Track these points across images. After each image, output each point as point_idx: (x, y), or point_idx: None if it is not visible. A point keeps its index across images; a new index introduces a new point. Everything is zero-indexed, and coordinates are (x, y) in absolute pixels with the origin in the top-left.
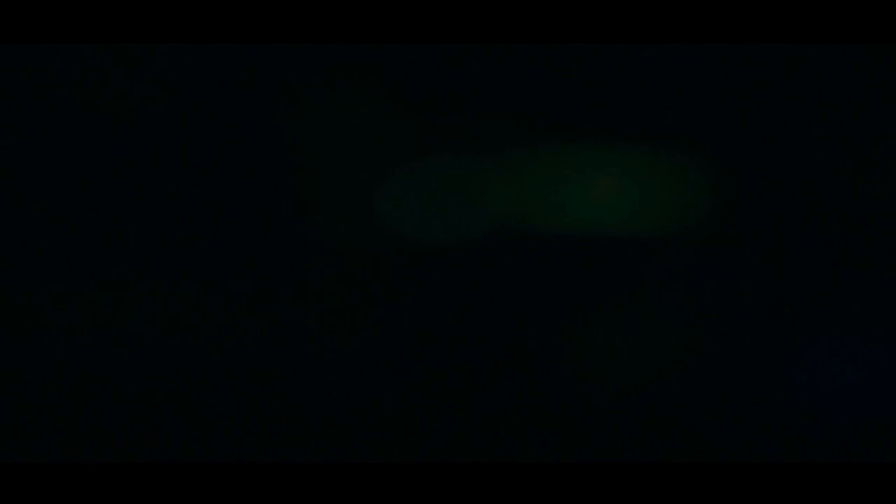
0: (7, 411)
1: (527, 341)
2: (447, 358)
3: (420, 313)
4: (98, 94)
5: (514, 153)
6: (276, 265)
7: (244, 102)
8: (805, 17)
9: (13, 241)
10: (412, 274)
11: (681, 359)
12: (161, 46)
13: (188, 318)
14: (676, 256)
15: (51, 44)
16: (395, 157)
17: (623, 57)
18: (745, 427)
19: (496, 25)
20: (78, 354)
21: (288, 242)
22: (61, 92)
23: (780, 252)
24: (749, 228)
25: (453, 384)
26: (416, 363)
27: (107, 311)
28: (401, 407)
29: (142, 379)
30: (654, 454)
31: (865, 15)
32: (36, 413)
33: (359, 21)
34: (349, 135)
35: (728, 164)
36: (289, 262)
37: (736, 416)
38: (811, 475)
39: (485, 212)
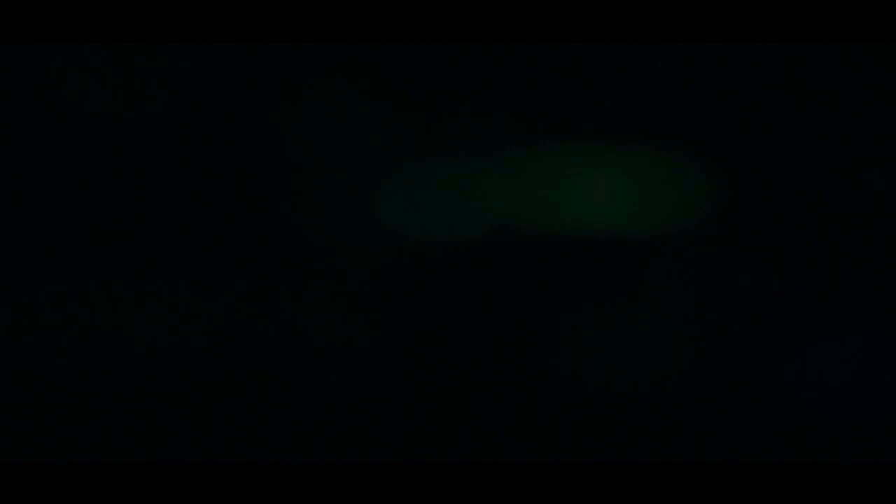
0: (7, 411)
1: (527, 341)
2: (447, 358)
3: (420, 313)
4: (98, 94)
5: (514, 153)
6: (275, 264)
7: (244, 102)
8: (805, 17)
9: (13, 242)
10: (412, 274)
11: (681, 359)
12: (161, 46)
13: (188, 317)
14: (676, 256)
15: (51, 44)
16: (394, 157)
17: (623, 57)
18: (745, 427)
19: (496, 25)
20: (78, 354)
21: (287, 242)
22: (61, 92)
23: (780, 252)
24: (749, 228)
25: (453, 384)
26: (415, 363)
27: (106, 311)
28: (401, 407)
29: (141, 379)
30: (654, 454)
31: (865, 15)
32: (36, 413)
33: (359, 21)
34: (349, 135)
35: (728, 164)
36: (288, 262)
37: (736, 416)
38: (811, 475)
39: (485, 212)
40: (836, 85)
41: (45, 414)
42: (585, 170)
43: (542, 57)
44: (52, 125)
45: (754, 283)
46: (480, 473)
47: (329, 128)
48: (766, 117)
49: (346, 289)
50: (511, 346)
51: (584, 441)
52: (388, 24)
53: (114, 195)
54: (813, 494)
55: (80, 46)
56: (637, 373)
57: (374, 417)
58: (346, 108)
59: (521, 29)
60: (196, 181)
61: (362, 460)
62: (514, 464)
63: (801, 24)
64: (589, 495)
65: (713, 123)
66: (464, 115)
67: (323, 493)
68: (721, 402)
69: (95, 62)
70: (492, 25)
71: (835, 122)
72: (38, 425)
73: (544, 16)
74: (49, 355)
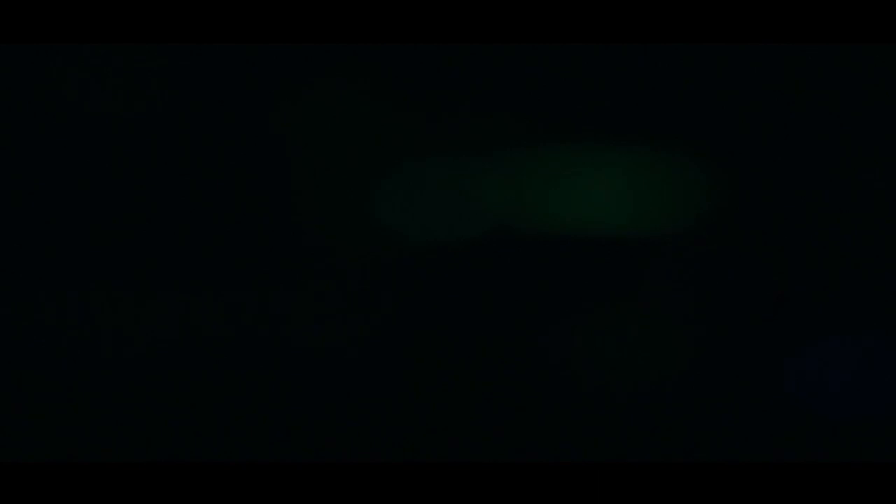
0: (7, 411)
1: (526, 341)
2: (447, 358)
3: (420, 313)
4: (98, 94)
5: (514, 153)
6: (274, 264)
7: (244, 102)
8: (805, 17)
9: (13, 241)
10: (412, 274)
11: (681, 359)
12: (161, 46)
13: (187, 317)
14: (676, 256)
15: (51, 44)
16: (394, 157)
17: (623, 57)
18: (745, 427)
19: (496, 25)
20: (78, 354)
21: (287, 242)
22: (61, 92)
23: (780, 252)
24: (749, 228)
25: (453, 384)
26: (415, 363)
27: (106, 311)
28: (400, 407)
29: (141, 379)
30: (654, 454)
31: (865, 15)
32: (36, 413)
33: (359, 21)
34: (349, 135)
35: (728, 164)
36: (288, 262)
37: (736, 416)
38: (811, 475)
39: (484, 212)
40: (836, 85)
41: (45, 414)
42: (585, 170)
43: (542, 57)
44: (52, 125)
45: (754, 283)
46: (480, 473)
47: (329, 128)
48: (766, 117)
49: (346, 289)
50: (511, 346)
51: (584, 441)
52: (388, 24)
53: (114, 195)
54: (813, 494)
55: (80, 46)
56: (637, 373)
57: (373, 417)
58: (346, 108)
59: (521, 29)
60: (196, 181)
61: (362, 460)
62: (514, 464)
63: (801, 24)
64: (589, 495)
65: (713, 123)
66: (464, 115)
67: (323, 493)
68: (721, 402)
69: (95, 62)
70: (492, 25)
71: (835, 122)
72: (38, 425)
73: (544, 16)
74: (49, 355)
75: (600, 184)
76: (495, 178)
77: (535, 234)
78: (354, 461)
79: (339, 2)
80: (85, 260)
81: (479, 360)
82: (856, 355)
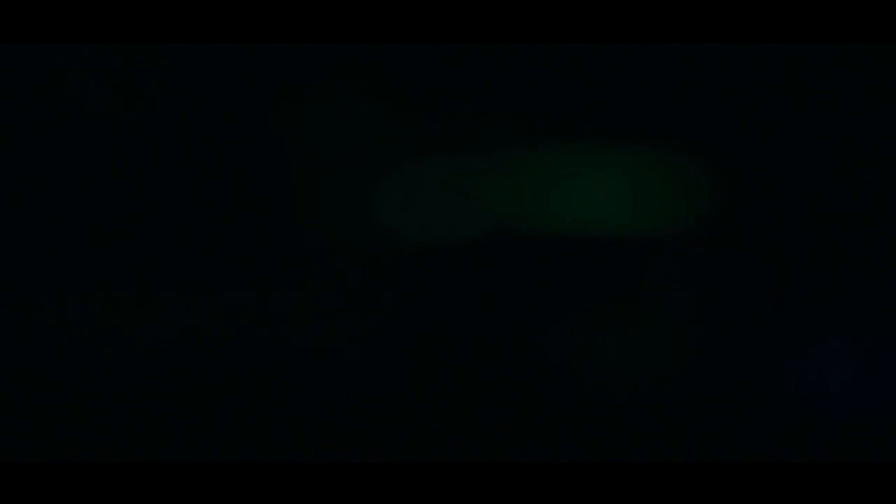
0: (7, 411)
1: (526, 341)
2: (447, 358)
3: (420, 313)
4: (98, 94)
5: (514, 153)
6: (274, 264)
7: (244, 102)
8: (805, 17)
9: (13, 241)
10: (412, 274)
11: (681, 359)
12: (161, 46)
13: (187, 317)
14: (676, 256)
15: (51, 44)
16: (394, 157)
17: (623, 57)
18: (745, 427)
19: (496, 25)
20: (78, 354)
21: (286, 242)
22: (61, 92)
23: (780, 252)
24: (749, 228)
25: (453, 384)
26: (415, 363)
27: (106, 311)
28: (400, 407)
29: (141, 379)
30: (654, 454)
31: (865, 15)
32: (36, 413)
33: (359, 21)
34: (349, 135)
35: (728, 164)
36: (288, 262)
37: (736, 416)
38: (811, 475)
39: (484, 212)
40: (836, 85)
41: (45, 414)
42: (585, 170)
43: (542, 57)
44: (52, 125)
45: (754, 283)
46: (480, 473)
47: (329, 128)
48: (766, 117)
49: (346, 289)
50: (511, 346)
51: (584, 441)
52: (388, 24)
53: (114, 195)
54: (813, 494)
55: (80, 46)
56: (637, 373)
57: (373, 417)
58: (346, 108)
59: (521, 29)
60: (196, 181)
61: (362, 460)
62: (514, 464)
63: (801, 24)
64: (589, 495)
65: (713, 123)
66: (464, 115)
67: (323, 493)
68: (721, 402)
69: (95, 62)
70: (492, 25)
71: (835, 122)
72: (38, 425)
73: (544, 16)
74: (49, 355)
75: (600, 184)
76: (495, 178)
77: (535, 234)
78: (354, 461)
79: (339, 2)
80: (85, 260)
81: (479, 360)
82: (856, 355)
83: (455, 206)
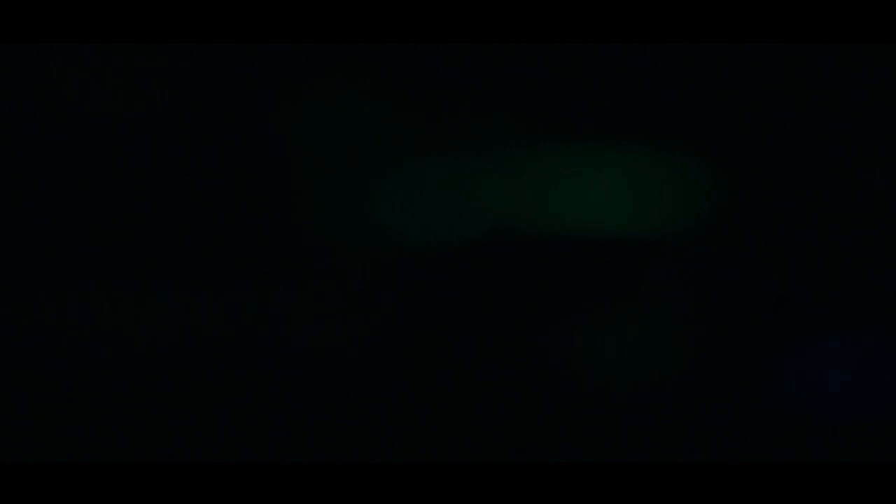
0: (7, 411)
1: (526, 341)
2: (447, 358)
3: (420, 313)
4: (98, 94)
5: (514, 153)
6: (274, 264)
7: (244, 102)
8: (805, 17)
9: (13, 242)
10: (412, 274)
11: (681, 359)
12: (161, 46)
13: (187, 317)
14: (676, 256)
15: (51, 44)
16: (394, 157)
17: (623, 57)
18: (745, 427)
19: (496, 25)
20: (78, 354)
21: (286, 242)
22: (61, 92)
23: (780, 252)
24: (749, 228)
25: (453, 384)
26: (415, 363)
27: (106, 311)
28: (400, 407)
29: (141, 379)
30: (654, 454)
31: (865, 15)
32: (36, 413)
33: (359, 21)
34: (349, 135)
35: (728, 164)
36: (288, 262)
37: (736, 416)
38: (811, 475)
39: (484, 212)
40: (836, 85)
41: (45, 414)
42: (585, 170)
43: (542, 57)
44: (52, 125)
45: (754, 283)
46: (480, 473)
47: (329, 128)
48: (766, 117)
49: (346, 289)
50: (511, 346)
51: (584, 441)
52: (388, 24)
53: (114, 195)
54: (813, 494)
55: (80, 46)
56: (637, 373)
57: (373, 417)
58: (346, 108)
59: (521, 29)
60: (196, 181)
61: (362, 460)
62: (514, 464)
63: (801, 24)
64: (589, 495)
65: (713, 123)
66: (464, 115)
67: (323, 493)
68: (721, 402)
69: (95, 62)
70: (492, 25)
71: (835, 122)
72: (38, 425)
73: (544, 16)
74: (49, 355)
75: (600, 184)
76: (495, 178)
77: (535, 234)
78: (354, 461)
79: (339, 2)
80: (85, 260)
81: (479, 360)
82: (856, 355)
83: (455, 206)
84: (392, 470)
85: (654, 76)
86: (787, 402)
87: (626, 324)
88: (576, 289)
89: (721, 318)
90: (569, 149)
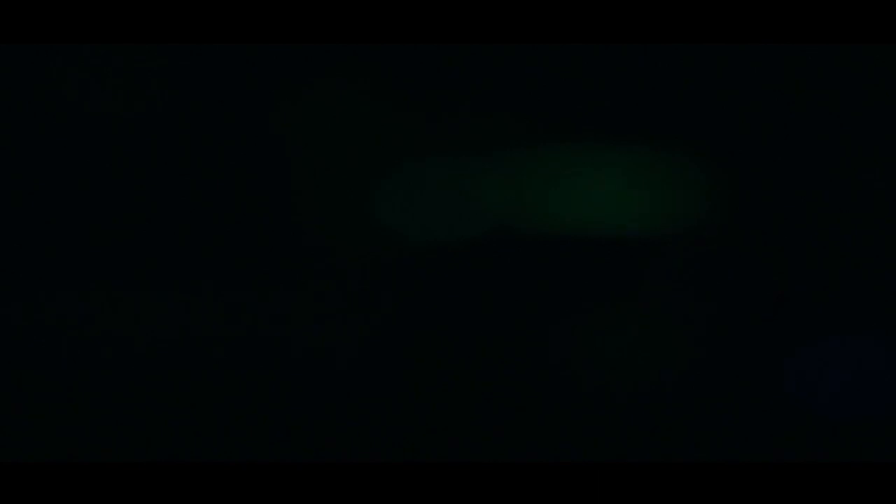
0: (7, 411)
1: (526, 341)
2: (447, 358)
3: (420, 313)
4: (98, 94)
5: (514, 153)
6: (274, 265)
7: (244, 102)
8: (805, 17)
9: (13, 241)
10: (412, 274)
11: (681, 359)
12: (161, 46)
13: (187, 317)
14: (676, 256)
15: (51, 44)
16: (394, 157)
17: (623, 57)
18: (745, 427)
19: (496, 25)
20: (78, 354)
21: (286, 242)
22: (61, 92)
23: (780, 252)
24: (749, 228)
25: (453, 384)
26: (415, 363)
27: (106, 311)
28: (400, 407)
29: (141, 379)
30: (654, 454)
31: (865, 15)
32: (36, 413)
33: (359, 21)
34: (349, 135)
35: (728, 164)
36: (288, 262)
37: (736, 416)
38: (811, 475)
39: (484, 212)
40: (836, 85)
41: (45, 414)
42: (585, 170)
43: (542, 57)
44: (52, 125)
45: (754, 283)
46: (480, 473)
47: (329, 128)
48: (766, 117)
49: (346, 289)
50: (511, 346)
51: (584, 441)
52: (388, 24)
53: (114, 195)
54: (813, 494)
55: (80, 46)
56: (637, 373)
57: (373, 417)
58: (346, 108)
59: (521, 29)
60: (196, 181)
61: (362, 460)
62: (514, 464)
63: (801, 24)
64: (589, 495)
65: (713, 123)
66: (464, 115)
67: (323, 493)
68: (721, 402)
69: (95, 62)
70: (492, 25)
71: (835, 122)
72: (38, 425)
73: (544, 16)
74: (49, 355)
75: (600, 184)
76: (495, 178)
77: (535, 234)
78: (354, 461)
79: (339, 2)
80: (85, 260)
81: (479, 360)
82: (856, 355)
83: (455, 206)
84: (392, 470)
85: (654, 76)
86: (787, 402)
87: (626, 324)
88: (576, 289)
89: (721, 318)
90: (569, 149)
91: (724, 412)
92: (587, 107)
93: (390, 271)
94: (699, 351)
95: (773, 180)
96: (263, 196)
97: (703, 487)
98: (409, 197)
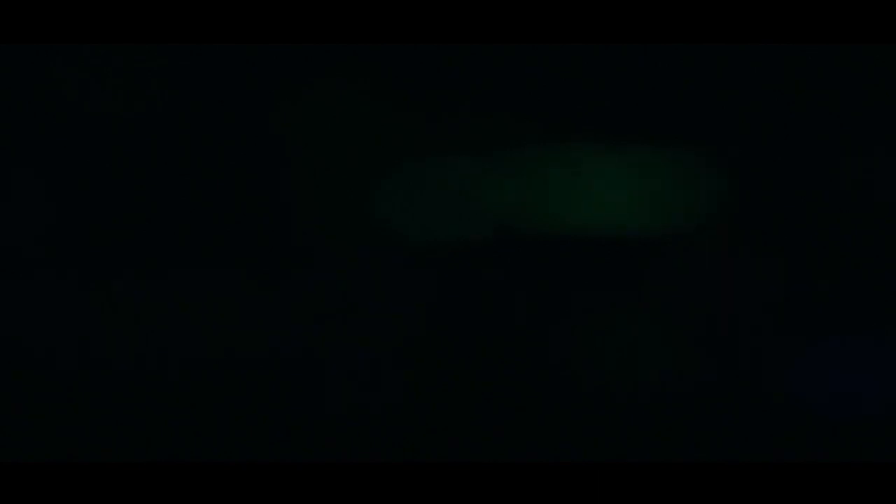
0: (7, 411)
1: (527, 341)
2: (447, 358)
3: (420, 313)
4: (98, 94)
5: (514, 153)
6: (274, 265)
7: (244, 102)
8: (805, 17)
9: (13, 241)
10: (412, 274)
11: (681, 359)
12: (161, 46)
13: (187, 317)
14: (676, 256)
15: (51, 44)
16: (394, 157)
17: (623, 57)
18: (745, 427)
19: (496, 25)
20: (79, 354)
21: (287, 242)
22: (61, 92)
23: (780, 252)
24: (750, 228)
25: (454, 384)
26: (415, 363)
27: (106, 311)
28: (400, 407)
29: (142, 379)
30: (654, 454)
31: (865, 15)
32: (36, 413)
33: (359, 21)
34: (349, 135)
35: (728, 164)
36: (288, 262)
37: (736, 416)
38: (811, 475)
39: (485, 212)
40: (836, 85)
41: (45, 414)
42: (585, 170)
43: (542, 57)
44: (52, 125)
45: (755, 283)
46: (480, 473)
47: (329, 128)
48: (766, 117)
49: (347, 289)
50: (511, 346)
51: (584, 441)
52: (388, 24)
53: (114, 195)
54: (813, 494)
55: (80, 46)
56: (637, 373)
57: (374, 417)
58: (346, 108)
59: (521, 29)
60: (196, 181)
61: (362, 460)
62: (514, 464)
63: (801, 24)
64: (589, 495)
65: (713, 123)
66: (464, 115)
67: (323, 493)
68: (721, 402)
69: (95, 62)
70: (492, 25)
71: (835, 122)
72: (38, 425)
73: (544, 16)
74: (49, 355)
75: (600, 184)
76: (495, 178)
77: (535, 234)
78: (354, 461)
79: (339, 2)
80: (85, 259)
81: (480, 360)
82: (856, 355)
83: (455, 206)
84: (392, 470)
85: (654, 76)
86: (787, 402)
87: (626, 324)
88: (576, 289)
89: (721, 318)
90: (569, 149)
91: (724, 412)
92: (587, 107)
93: (390, 271)
94: (699, 351)
95: (773, 180)
96: (263, 196)
97: (703, 487)
98: (409, 197)
